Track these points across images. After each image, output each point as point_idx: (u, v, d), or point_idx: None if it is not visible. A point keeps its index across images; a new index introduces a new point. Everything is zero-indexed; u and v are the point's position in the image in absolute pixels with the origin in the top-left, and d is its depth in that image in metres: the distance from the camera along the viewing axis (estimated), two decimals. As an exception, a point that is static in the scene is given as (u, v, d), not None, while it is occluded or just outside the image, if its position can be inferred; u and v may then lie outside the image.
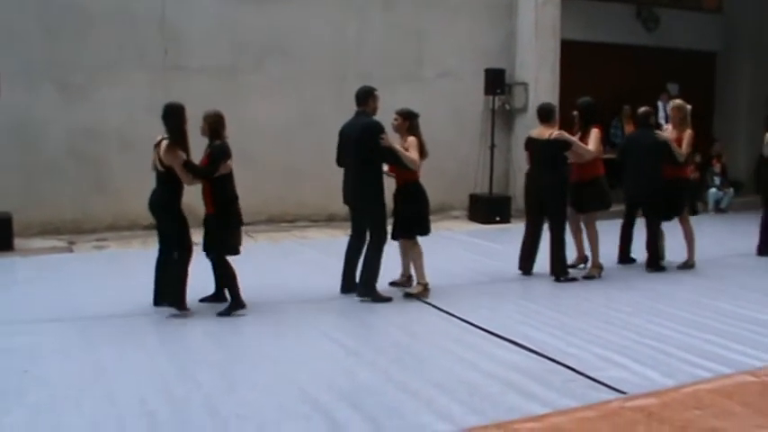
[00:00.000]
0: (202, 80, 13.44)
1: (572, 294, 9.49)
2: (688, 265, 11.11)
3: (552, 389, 6.23)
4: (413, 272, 9.53)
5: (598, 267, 10.48)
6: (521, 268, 10.47)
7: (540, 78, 15.86)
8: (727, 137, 19.07)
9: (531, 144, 10.34)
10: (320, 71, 14.53)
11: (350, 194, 9.30)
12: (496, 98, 15.66)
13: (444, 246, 12.49)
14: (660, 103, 17.11)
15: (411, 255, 9.43)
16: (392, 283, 9.64)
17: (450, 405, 5.87)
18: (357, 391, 6.22)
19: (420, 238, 9.37)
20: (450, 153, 15.41)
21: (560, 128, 10.31)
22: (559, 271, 10.19)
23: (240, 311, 8.45)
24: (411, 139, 9.09)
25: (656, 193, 10.76)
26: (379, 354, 7.22)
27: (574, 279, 10.25)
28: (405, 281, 9.70)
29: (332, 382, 6.39)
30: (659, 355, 7.10)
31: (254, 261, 10.77)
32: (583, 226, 10.67)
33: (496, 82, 15.44)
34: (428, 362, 7.04)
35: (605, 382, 6.37)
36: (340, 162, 9.37)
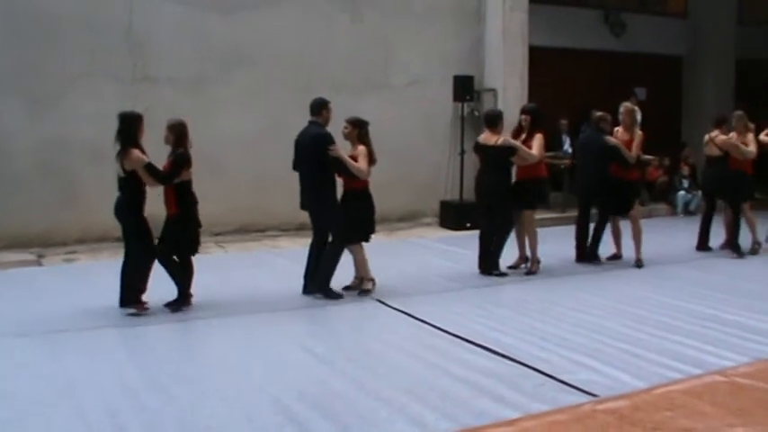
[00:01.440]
0: (171, 91, 13.37)
1: (542, 299, 9.52)
2: (637, 262, 11.45)
3: (523, 393, 6.24)
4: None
5: (537, 263, 10.93)
6: (480, 267, 10.82)
7: (508, 84, 15.90)
8: (694, 140, 19.13)
9: (480, 149, 10.78)
10: (288, 80, 14.49)
11: (306, 200, 9.55)
12: (465, 105, 15.72)
13: (415, 252, 12.52)
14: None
15: (355, 256, 9.71)
16: (346, 288, 9.78)
17: (422, 411, 5.86)
18: (329, 399, 6.20)
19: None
20: (420, 160, 15.46)
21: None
22: (491, 265, 10.67)
23: (185, 308, 8.83)
24: (361, 148, 9.40)
25: (605, 191, 11.21)
26: (351, 361, 7.21)
27: (504, 275, 10.71)
28: (358, 283, 9.85)
29: (303, 390, 6.37)
30: (630, 358, 7.14)
31: (226, 271, 10.77)
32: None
33: (465, 89, 15.49)
34: (400, 368, 7.03)
35: (576, 385, 6.40)
36: (296, 167, 9.62)
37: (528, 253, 11.06)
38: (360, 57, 15.25)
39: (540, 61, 16.50)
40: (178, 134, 8.68)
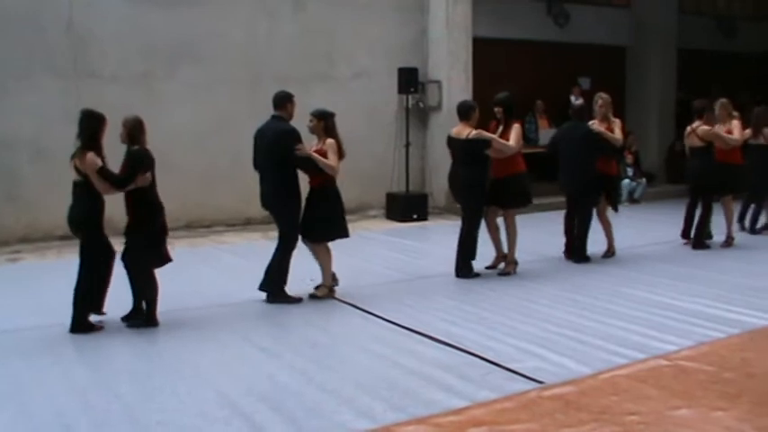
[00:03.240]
0: (115, 87, 13.21)
1: (492, 289, 9.56)
2: (609, 254, 11.40)
3: (471, 382, 6.29)
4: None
5: (513, 264, 10.43)
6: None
7: (452, 76, 15.97)
8: (638, 129, 19.37)
9: (452, 142, 10.30)
10: (234, 74, 14.42)
11: (266, 199, 9.16)
12: (410, 97, 15.74)
13: (363, 245, 12.50)
14: (572, 97, 17.30)
15: (319, 257, 9.29)
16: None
17: (371, 403, 5.89)
18: (277, 392, 6.20)
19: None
20: (366, 152, 15.42)
21: (480, 122, 10.28)
22: (459, 266, 10.20)
23: (151, 328, 8.18)
24: (330, 141, 8.96)
25: (590, 184, 10.96)
26: (299, 355, 7.20)
27: (476, 275, 10.22)
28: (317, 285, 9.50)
29: (252, 385, 6.36)
30: (576, 345, 7.21)
31: (173, 268, 10.64)
32: (502, 222, 10.50)
33: (410, 80, 15.52)
34: (348, 361, 7.06)
35: (523, 372, 6.46)
36: (256, 165, 9.22)
37: (505, 251, 10.54)
38: (304, 49, 15.20)
39: (484, 52, 16.56)
40: (131, 130, 8.08)
